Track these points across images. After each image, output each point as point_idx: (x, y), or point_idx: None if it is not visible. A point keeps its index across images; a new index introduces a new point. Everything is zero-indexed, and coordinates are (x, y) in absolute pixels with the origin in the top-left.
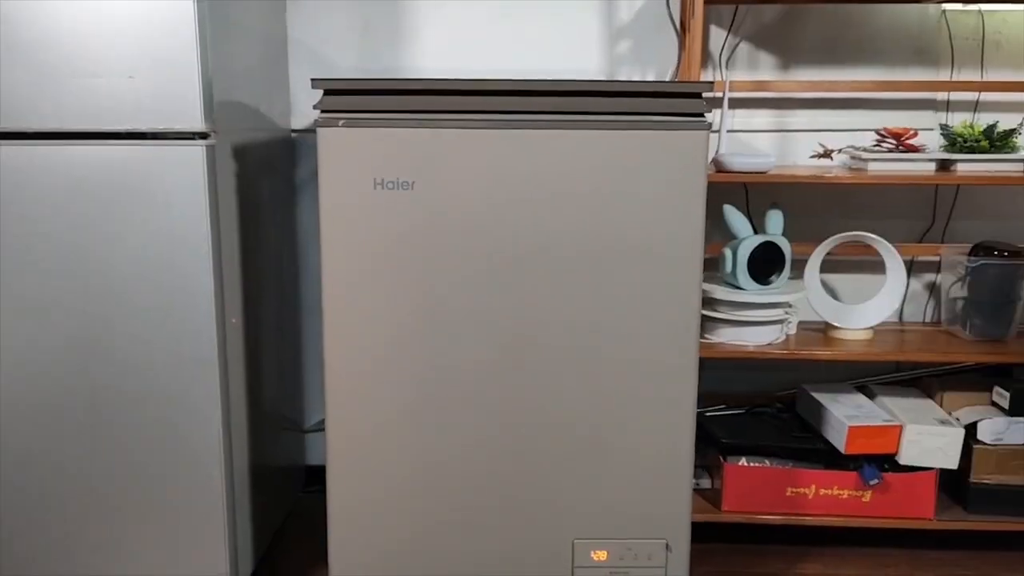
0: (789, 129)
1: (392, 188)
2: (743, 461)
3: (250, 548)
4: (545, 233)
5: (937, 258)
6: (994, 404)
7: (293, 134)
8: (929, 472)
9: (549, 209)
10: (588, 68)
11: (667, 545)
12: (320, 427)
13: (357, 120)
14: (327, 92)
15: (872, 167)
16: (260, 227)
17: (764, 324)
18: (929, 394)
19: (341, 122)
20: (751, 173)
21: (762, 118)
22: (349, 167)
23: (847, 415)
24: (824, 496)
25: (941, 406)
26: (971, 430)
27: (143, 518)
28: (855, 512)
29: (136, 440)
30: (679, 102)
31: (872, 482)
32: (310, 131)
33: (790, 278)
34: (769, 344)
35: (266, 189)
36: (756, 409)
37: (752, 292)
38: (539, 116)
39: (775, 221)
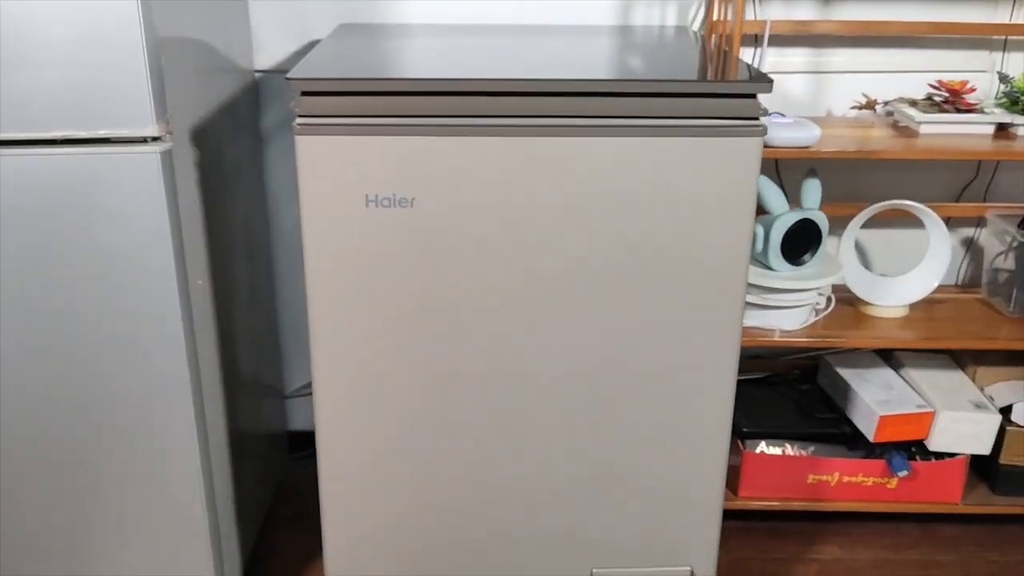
0: (827, 71)
1: (388, 205)
2: (762, 446)
3: (234, 528)
4: (569, 255)
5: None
6: None
7: (257, 75)
8: (960, 459)
9: (574, 227)
10: (598, 8)
11: (692, 573)
12: (302, 391)
13: (343, 126)
14: (305, 93)
15: (925, 129)
16: (225, 186)
17: (794, 308)
18: (960, 364)
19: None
20: (792, 149)
21: (797, 57)
22: (335, 181)
23: (877, 400)
24: (847, 483)
25: (974, 381)
26: (1004, 411)
27: (114, 500)
28: (879, 498)
29: (101, 421)
30: (730, 104)
31: (901, 474)
32: (277, 72)
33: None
34: (799, 327)
35: (229, 145)
36: (774, 378)
37: (784, 275)
38: (564, 120)
39: (812, 192)
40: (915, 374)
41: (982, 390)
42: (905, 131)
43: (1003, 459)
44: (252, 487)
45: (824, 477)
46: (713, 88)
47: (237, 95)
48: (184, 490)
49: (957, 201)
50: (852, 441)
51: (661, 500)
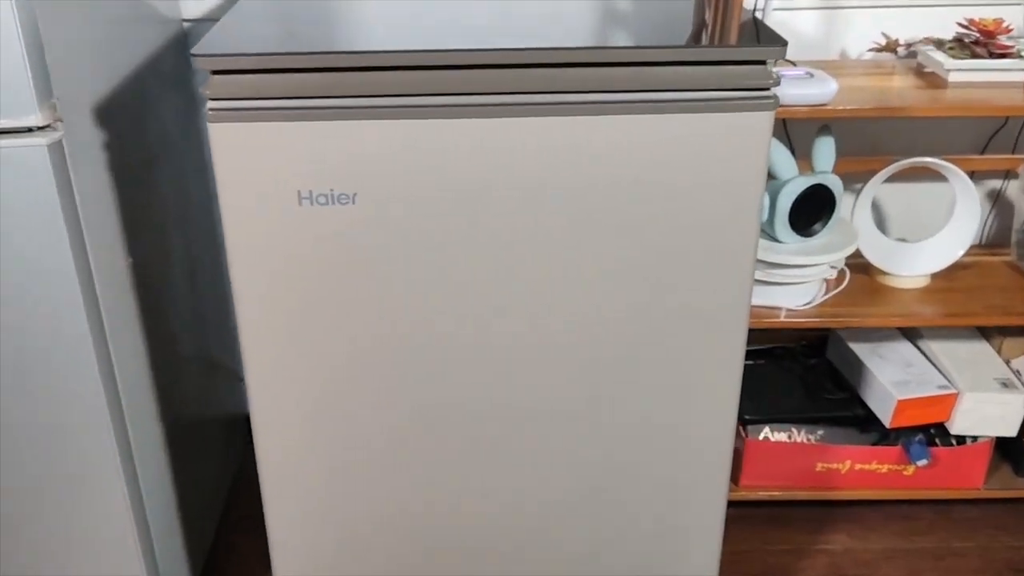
0: (841, 5)
1: (325, 203)
2: (766, 432)
3: (177, 530)
4: (549, 251)
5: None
6: None
7: (185, 24)
8: (983, 443)
9: (552, 219)
10: None
11: None
12: None
13: (267, 111)
14: (217, 72)
15: (954, 78)
16: (148, 160)
17: (802, 284)
18: (985, 335)
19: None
20: (805, 107)
21: None
22: (261, 176)
23: (895, 381)
24: (860, 471)
25: (999, 353)
26: None
27: (27, 506)
28: (894, 485)
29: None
30: (734, 72)
31: (920, 463)
32: (209, 20)
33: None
34: (807, 304)
35: (152, 112)
36: (778, 350)
37: (792, 248)
38: (534, 98)
39: (825, 153)
40: (936, 347)
41: (1008, 363)
42: (932, 79)
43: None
44: (202, 481)
45: (834, 465)
46: (712, 55)
47: (160, 51)
48: (104, 490)
49: (983, 152)
50: (864, 423)
51: (660, 500)
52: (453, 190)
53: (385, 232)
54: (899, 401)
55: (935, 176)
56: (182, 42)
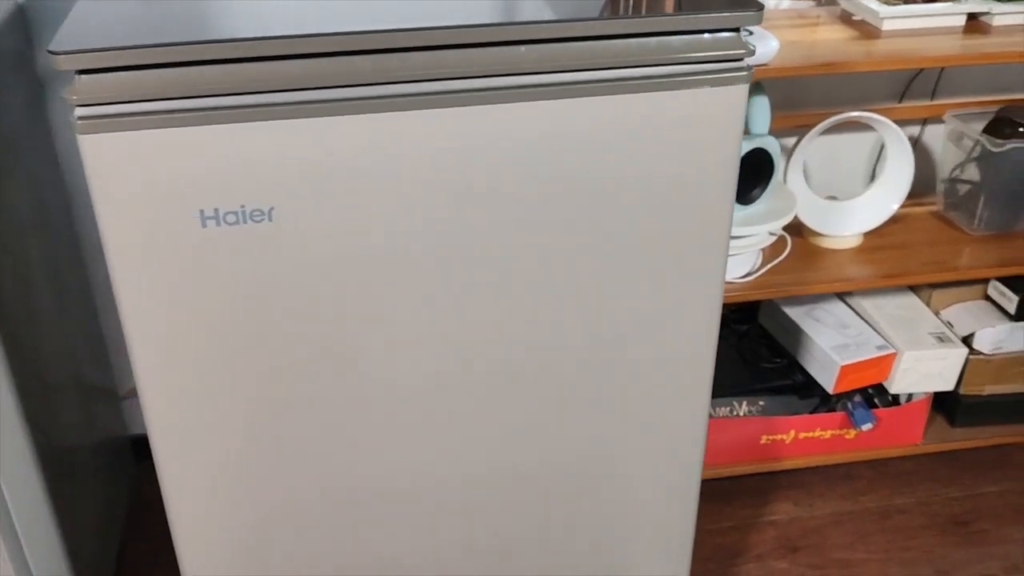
0: None
1: (235, 222)
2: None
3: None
4: (506, 251)
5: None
6: (994, 304)
7: (20, 0)
8: (923, 400)
9: (506, 220)
10: None
11: None
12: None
13: (153, 116)
14: (84, 72)
15: (888, 26)
16: None
17: (741, 255)
18: (914, 287)
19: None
20: None
21: None
22: (150, 195)
23: (835, 346)
24: (804, 440)
25: (929, 305)
26: (965, 339)
27: None
28: (837, 449)
29: None
30: (707, 42)
31: (865, 427)
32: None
33: None
34: (747, 276)
35: None
36: None
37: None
38: (486, 81)
39: (761, 114)
40: (867, 304)
41: (938, 315)
42: (864, 29)
43: (964, 390)
44: (91, 512)
45: (779, 436)
46: (678, 23)
47: None
48: None
49: (901, 100)
50: (804, 389)
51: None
52: (391, 196)
53: (310, 251)
54: (842, 367)
55: (855, 127)
56: (20, 23)
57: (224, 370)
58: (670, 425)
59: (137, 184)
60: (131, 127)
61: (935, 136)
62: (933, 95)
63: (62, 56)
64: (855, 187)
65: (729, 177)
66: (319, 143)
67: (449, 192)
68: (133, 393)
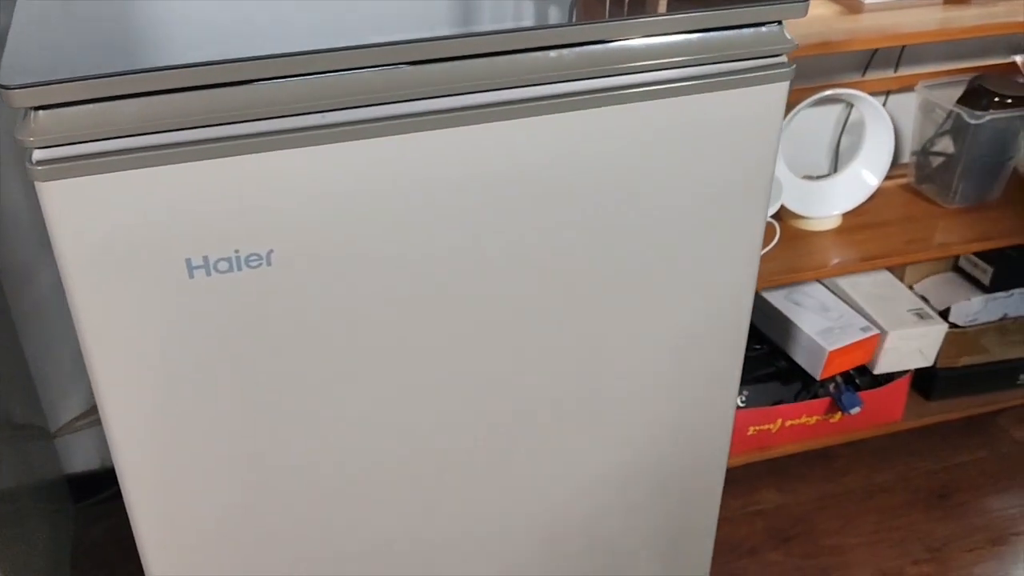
0: None
1: (228, 269)
2: None
3: None
4: (528, 288)
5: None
6: (965, 275)
7: None
8: (904, 377)
9: (530, 245)
10: None
11: None
12: (76, 425)
13: (126, 155)
14: (42, 108)
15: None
16: None
17: None
18: None
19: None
20: None
21: None
22: (127, 246)
23: (820, 331)
24: (790, 427)
25: (902, 280)
26: (942, 314)
27: None
28: (822, 434)
29: None
30: (748, 38)
31: (854, 411)
32: None
33: None
34: None
35: None
36: None
37: None
38: (506, 94)
39: None
40: (844, 283)
41: (912, 289)
42: (845, 3)
43: (940, 363)
44: (35, 556)
45: (766, 426)
46: (718, 19)
47: None
48: None
49: (864, 73)
50: (787, 375)
51: (658, 489)
52: (408, 227)
53: (315, 296)
54: (830, 353)
55: (819, 102)
56: None
57: (218, 433)
58: (698, 432)
59: (111, 234)
60: (101, 169)
61: (899, 107)
62: (897, 66)
63: (16, 91)
64: (821, 165)
65: (764, 181)
66: (321, 174)
67: (473, 220)
68: (67, 430)
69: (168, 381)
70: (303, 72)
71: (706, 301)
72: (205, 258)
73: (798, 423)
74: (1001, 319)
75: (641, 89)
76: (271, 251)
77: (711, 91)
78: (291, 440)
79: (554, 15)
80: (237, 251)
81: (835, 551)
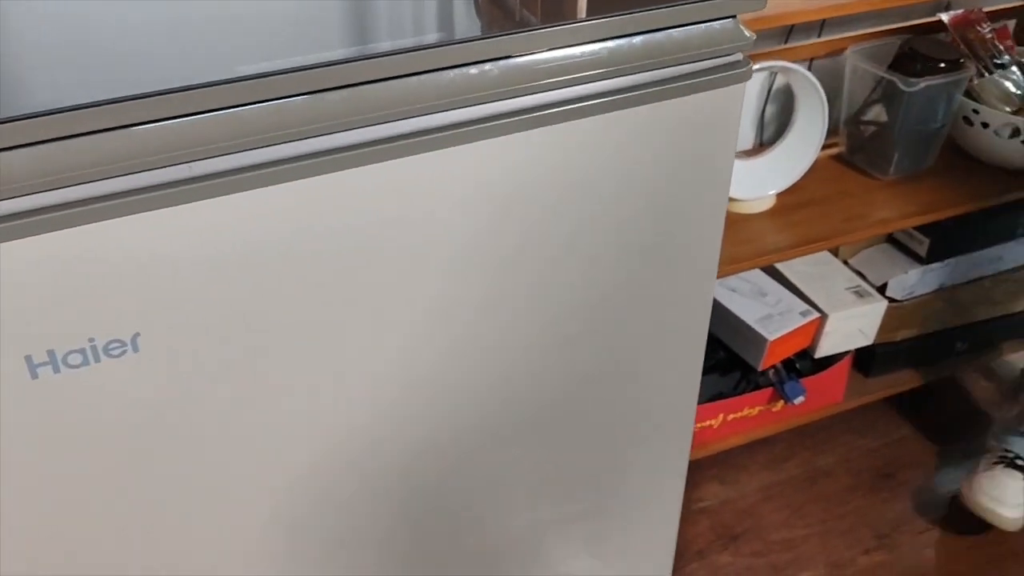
0: None
1: (81, 363)
2: None
3: None
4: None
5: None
6: (900, 247)
7: None
8: (845, 359)
9: (456, 298)
10: None
11: None
12: None
13: None
14: None
15: None
16: None
17: None
18: None
19: None
20: None
21: None
22: None
23: (759, 319)
24: (732, 420)
25: (836, 255)
26: (879, 289)
27: None
28: (764, 424)
29: None
30: (699, 36)
31: (798, 400)
32: None
33: None
34: None
35: None
36: None
37: None
38: (413, 123)
39: None
40: (783, 267)
41: (847, 264)
42: None
43: (877, 339)
44: None
45: (708, 423)
46: (661, 19)
47: None
48: None
49: (787, 40)
50: (725, 366)
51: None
52: (309, 287)
53: (194, 383)
54: (771, 343)
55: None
56: None
57: (80, 559)
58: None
59: None
60: None
61: (824, 74)
62: (821, 31)
63: None
64: (745, 138)
65: (722, 186)
66: (193, 235)
67: (378, 277)
68: None
69: (16, 505)
70: (157, 118)
71: (662, 328)
72: (50, 353)
73: (740, 416)
74: (937, 289)
75: (574, 106)
76: (137, 334)
77: (659, 100)
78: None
79: (462, 24)
80: (92, 340)
81: (784, 546)
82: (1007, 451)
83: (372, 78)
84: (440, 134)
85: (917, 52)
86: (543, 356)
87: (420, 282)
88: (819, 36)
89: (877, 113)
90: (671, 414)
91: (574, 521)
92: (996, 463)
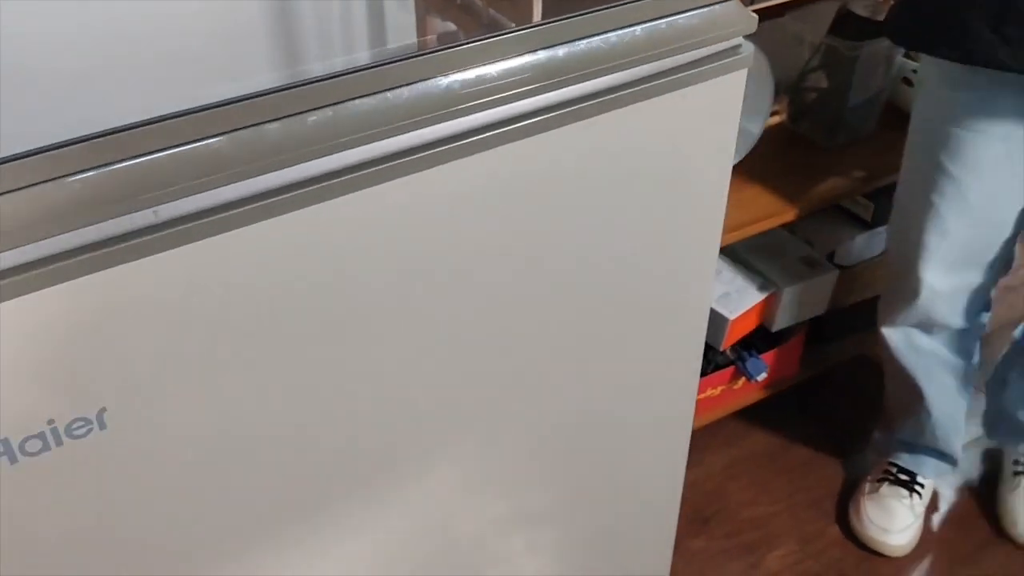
0: None
1: (40, 450)
2: None
3: None
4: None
5: None
6: (844, 211)
7: None
8: (800, 331)
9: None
10: None
11: None
12: None
13: None
14: None
15: None
16: None
17: None
18: None
19: None
20: None
21: None
22: None
23: (717, 298)
24: (697, 402)
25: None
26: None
27: None
28: (729, 402)
29: None
30: (697, 22)
31: (760, 377)
32: None
33: None
34: None
35: None
36: None
37: None
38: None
39: None
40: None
41: (792, 232)
42: None
43: (829, 306)
44: None
45: None
46: (655, 9)
47: None
48: None
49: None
50: None
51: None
52: (291, 359)
53: (168, 460)
54: (732, 322)
55: None
56: None
57: None
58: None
59: None
60: None
61: (760, 41)
62: None
63: None
64: None
65: (721, 182)
66: (159, 288)
67: (358, 328)
68: None
69: None
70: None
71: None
72: (5, 441)
73: (703, 397)
74: (883, 252)
75: (584, 105)
76: (103, 410)
77: (660, 94)
78: None
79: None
80: (52, 421)
81: (755, 524)
82: (892, 464)
83: (356, 95)
84: (447, 146)
85: (853, 14)
86: (552, 362)
87: (417, 314)
88: (751, 3)
89: (818, 79)
90: (671, 412)
91: (576, 523)
92: (880, 480)
